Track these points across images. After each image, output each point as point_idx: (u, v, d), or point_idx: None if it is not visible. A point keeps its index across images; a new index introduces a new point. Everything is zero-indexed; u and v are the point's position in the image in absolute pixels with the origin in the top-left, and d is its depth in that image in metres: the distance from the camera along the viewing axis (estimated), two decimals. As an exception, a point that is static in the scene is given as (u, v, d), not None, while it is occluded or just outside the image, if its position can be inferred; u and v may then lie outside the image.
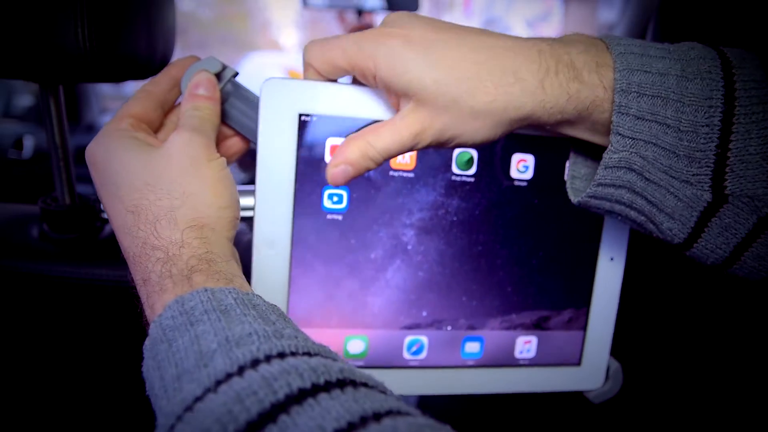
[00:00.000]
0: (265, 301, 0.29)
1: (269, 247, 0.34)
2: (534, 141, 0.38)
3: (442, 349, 0.38)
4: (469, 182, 0.37)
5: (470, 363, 0.39)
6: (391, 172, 0.36)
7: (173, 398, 0.23)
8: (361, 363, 0.37)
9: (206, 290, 0.27)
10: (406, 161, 0.36)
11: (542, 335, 0.40)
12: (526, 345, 0.40)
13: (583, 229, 0.41)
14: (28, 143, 1.06)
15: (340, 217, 0.36)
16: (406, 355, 0.38)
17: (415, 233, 0.37)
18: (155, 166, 0.32)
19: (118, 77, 0.44)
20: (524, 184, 0.38)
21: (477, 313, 0.38)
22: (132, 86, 1.84)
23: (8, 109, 1.50)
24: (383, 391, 0.24)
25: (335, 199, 0.35)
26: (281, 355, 0.23)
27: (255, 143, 0.34)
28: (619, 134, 0.28)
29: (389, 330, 0.37)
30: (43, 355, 0.51)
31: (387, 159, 0.30)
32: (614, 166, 0.29)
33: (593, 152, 0.34)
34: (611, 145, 0.29)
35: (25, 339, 0.50)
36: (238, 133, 0.37)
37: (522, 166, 0.38)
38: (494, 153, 0.37)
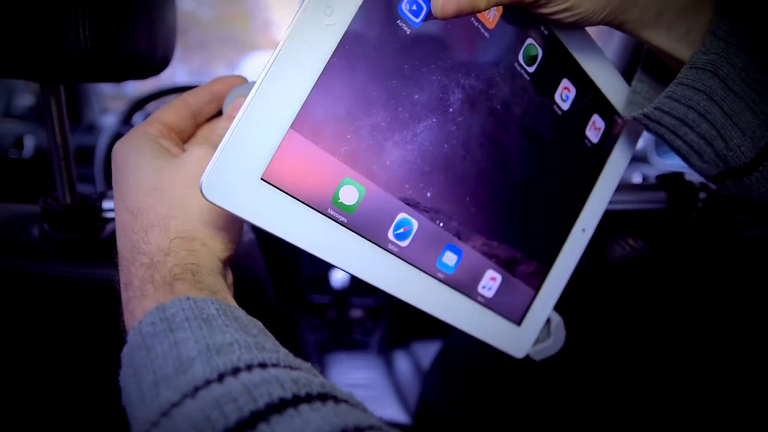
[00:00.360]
0: (247, 315, 0.28)
1: (323, 12, 0.28)
2: (582, 77, 0.38)
3: (424, 247, 0.35)
4: (525, 78, 0.36)
5: (440, 276, 0.37)
6: (472, 19, 0.33)
7: (150, 405, 0.23)
8: (343, 219, 0.31)
9: (188, 299, 0.27)
10: (490, 17, 0.33)
11: (506, 278, 0.40)
12: (491, 281, 0.39)
13: (576, 190, 0.41)
14: (29, 143, 1.06)
15: (408, 31, 0.31)
16: (390, 235, 0.34)
17: (461, 98, 0.33)
18: (166, 174, 0.32)
19: (119, 77, 0.44)
20: (559, 112, 0.38)
21: (470, 221, 0.37)
22: (133, 86, 1.84)
23: (9, 109, 1.50)
24: (364, 410, 0.23)
25: (414, 8, 0.31)
26: (263, 366, 0.23)
27: None
28: (715, 35, 0.28)
29: (389, 194, 0.33)
30: (43, 355, 0.51)
31: (500, 3, 0.29)
32: (700, 68, 0.29)
33: (662, 77, 0.35)
34: (703, 46, 0.29)
35: (25, 339, 0.50)
36: None
37: (564, 95, 0.38)
38: (552, 65, 0.37)
